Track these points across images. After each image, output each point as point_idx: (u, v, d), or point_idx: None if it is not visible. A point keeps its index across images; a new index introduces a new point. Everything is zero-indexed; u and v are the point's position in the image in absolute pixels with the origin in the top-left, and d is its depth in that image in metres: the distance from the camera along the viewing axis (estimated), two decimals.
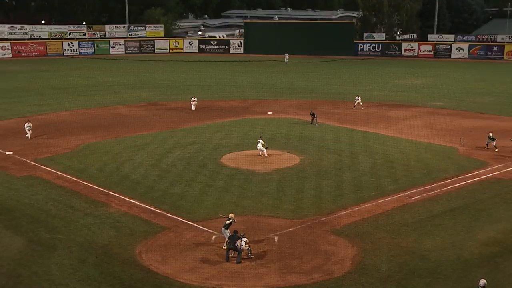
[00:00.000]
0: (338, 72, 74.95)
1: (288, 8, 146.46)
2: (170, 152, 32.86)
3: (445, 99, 53.09)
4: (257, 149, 31.63)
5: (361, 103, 47.57)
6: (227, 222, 20.18)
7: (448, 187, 26.89)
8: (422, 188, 26.61)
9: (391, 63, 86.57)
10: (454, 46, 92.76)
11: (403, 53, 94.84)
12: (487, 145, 33.89)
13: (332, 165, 30.44)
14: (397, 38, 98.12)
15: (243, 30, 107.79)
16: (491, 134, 34.08)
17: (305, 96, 54.70)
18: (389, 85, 61.98)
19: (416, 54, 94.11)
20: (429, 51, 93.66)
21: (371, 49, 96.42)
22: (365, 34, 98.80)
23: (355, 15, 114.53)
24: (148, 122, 41.94)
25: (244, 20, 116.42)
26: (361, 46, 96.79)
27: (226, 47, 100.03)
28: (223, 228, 20.13)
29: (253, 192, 26.09)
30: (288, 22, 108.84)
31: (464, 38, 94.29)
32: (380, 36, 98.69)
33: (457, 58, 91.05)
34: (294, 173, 28.89)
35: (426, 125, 40.51)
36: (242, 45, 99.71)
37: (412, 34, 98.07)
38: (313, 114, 40.84)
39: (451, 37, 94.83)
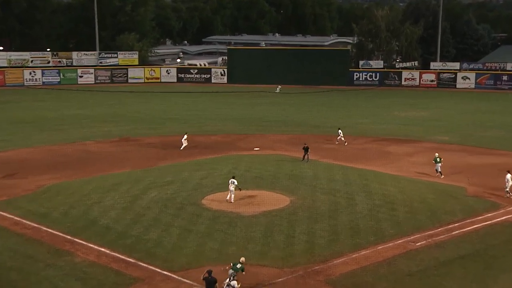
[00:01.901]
0: (332, 103, 76.02)
1: (276, 34, 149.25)
2: (145, 193, 32.90)
3: (450, 133, 53.99)
4: (229, 190, 31.19)
5: (343, 138, 48.29)
6: (238, 266, 20.58)
7: (456, 232, 27.17)
8: (426, 233, 26.87)
9: (390, 93, 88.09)
10: (460, 75, 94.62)
11: (403, 82, 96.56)
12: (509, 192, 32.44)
13: (326, 206, 30.68)
14: (397, 66, 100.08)
15: (226, 58, 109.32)
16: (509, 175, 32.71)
17: (295, 130, 55.24)
18: (388, 118, 62.95)
19: (417, 83, 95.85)
20: (432, 81, 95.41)
21: (368, 78, 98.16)
22: (361, 62, 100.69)
23: (350, 41, 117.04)
24: (120, 160, 41.99)
25: (228, 47, 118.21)
26: (356, 74, 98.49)
27: (208, 76, 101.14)
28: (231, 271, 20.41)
29: (238, 237, 26.15)
30: (276, 49, 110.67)
31: (471, 66, 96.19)
32: (378, 64, 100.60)
33: (463, 88, 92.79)
34: (283, 216, 29.04)
35: (430, 162, 41.00)
36: (226, 74, 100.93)
37: (413, 62, 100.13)
38: (305, 149, 41.19)
39: (456, 65, 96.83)
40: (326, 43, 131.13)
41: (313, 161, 41.27)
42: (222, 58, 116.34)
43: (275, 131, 54.71)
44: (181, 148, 45.79)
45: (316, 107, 72.09)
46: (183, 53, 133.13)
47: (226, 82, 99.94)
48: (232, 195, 31.18)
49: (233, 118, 62.95)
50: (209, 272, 19.90)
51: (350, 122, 58.43)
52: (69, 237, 26.02)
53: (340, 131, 48.92)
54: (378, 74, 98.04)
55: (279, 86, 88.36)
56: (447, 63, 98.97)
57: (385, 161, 41.90)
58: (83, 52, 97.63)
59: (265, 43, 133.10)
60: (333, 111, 68.09)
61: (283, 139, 50.60)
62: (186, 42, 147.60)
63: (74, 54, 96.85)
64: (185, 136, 46.46)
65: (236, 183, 31.33)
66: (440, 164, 37.87)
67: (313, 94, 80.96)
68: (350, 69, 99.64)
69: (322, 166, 40.13)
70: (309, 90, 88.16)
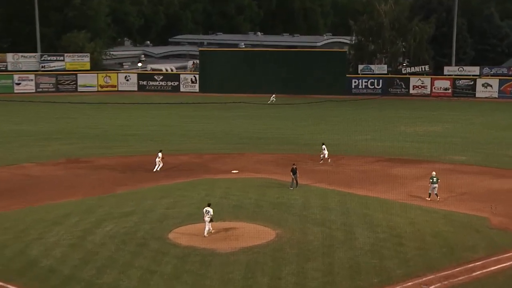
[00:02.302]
0: (326, 116, 76.58)
1: (258, 33, 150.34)
2: (98, 227, 32.76)
3: (468, 152, 54.71)
4: (204, 221, 31.40)
5: (326, 155, 49.16)
6: None
7: (478, 272, 27.37)
8: (442, 274, 27.01)
9: (396, 104, 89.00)
10: (480, 81, 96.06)
11: (411, 91, 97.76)
12: None
13: (319, 241, 30.80)
14: (403, 71, 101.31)
15: (198, 61, 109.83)
16: None
17: (282, 148, 55.56)
18: (393, 134, 63.57)
19: (428, 92, 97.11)
20: (446, 89, 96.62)
21: (369, 85, 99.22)
22: (360, 66, 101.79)
23: (347, 41, 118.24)
24: (68, 186, 41.82)
25: (200, 48, 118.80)
26: (355, 81, 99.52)
27: (176, 83, 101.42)
28: None
29: (213, 280, 26.11)
30: (258, 51, 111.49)
31: (493, 71, 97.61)
32: (381, 68, 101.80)
33: (483, 97, 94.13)
34: (268, 253, 29.08)
35: (445, 187, 41.42)
36: (197, 81, 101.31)
37: (423, 66, 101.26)
38: (293, 171, 41.39)
39: (475, 70, 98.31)
40: (318, 44, 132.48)
41: (304, 186, 41.42)
42: (193, 62, 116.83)
43: (257, 150, 54.88)
44: (155, 170, 46.08)
45: (307, 120, 72.53)
46: (146, 55, 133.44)
47: (197, 91, 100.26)
48: (208, 228, 31.23)
49: (206, 134, 63.07)
50: None
51: (347, 139, 58.87)
52: (1, 283, 25.75)
53: (324, 146, 49.77)
54: (381, 80, 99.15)
55: (274, 95, 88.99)
56: (464, 68, 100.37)
57: (390, 185, 42.14)
58: (20, 54, 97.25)
59: (245, 44, 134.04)
60: (327, 125, 68.57)
61: (267, 160, 50.75)
62: (148, 42, 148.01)
63: (9, 57, 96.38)
64: (160, 155, 46.72)
65: (212, 212, 31.40)
66: (436, 185, 38.94)
67: (303, 106, 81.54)
68: (347, 75, 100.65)
69: (314, 192, 40.32)
70: (298, 100, 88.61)
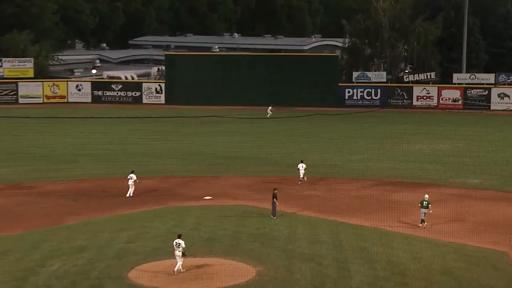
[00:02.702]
0: (314, 132, 76.76)
1: (235, 34, 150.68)
2: (43, 265, 32.48)
3: (483, 174, 55.03)
4: (175, 257, 31.53)
5: (302, 174, 50.35)
6: None
7: None
8: None
9: (397, 117, 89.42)
10: (495, 91, 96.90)
11: (414, 102, 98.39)
12: None
13: (307, 280, 30.79)
14: (406, 79, 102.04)
15: (163, 68, 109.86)
16: None
17: (264, 170, 55.64)
18: (394, 153, 63.77)
19: (435, 103, 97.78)
20: (456, 100, 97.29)
21: (366, 96, 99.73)
22: (355, 74, 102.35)
23: (340, 44, 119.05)
24: (9, 217, 41.49)
25: (166, 52, 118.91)
26: (349, 91, 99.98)
27: (137, 94, 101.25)
28: None
29: None
30: (235, 55, 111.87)
31: (511, 78, 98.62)
32: (379, 76, 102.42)
33: (499, 110, 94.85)
34: None
35: (455, 216, 41.71)
36: (163, 91, 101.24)
37: (429, 74, 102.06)
38: (274, 196, 41.45)
39: (490, 78, 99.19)
40: (305, 47, 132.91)
41: (290, 215, 41.48)
42: (158, 69, 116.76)
43: (235, 172, 54.93)
44: (128, 195, 46.25)
45: (292, 137, 72.65)
46: (101, 60, 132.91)
47: (163, 102, 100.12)
48: (180, 264, 31.23)
49: (174, 153, 62.94)
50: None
51: (340, 159, 59.02)
52: None
53: (302, 164, 50.76)
54: (379, 90, 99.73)
55: (270, 107, 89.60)
56: (477, 75, 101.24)
57: (390, 214, 42.32)
58: None
59: (219, 47, 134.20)
60: (317, 142, 68.70)
61: (246, 184, 50.77)
62: (105, 45, 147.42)
63: None
64: (133, 177, 46.84)
65: (183, 245, 31.38)
66: (426, 210, 39.94)
67: (288, 120, 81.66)
68: (339, 84, 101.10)
69: (302, 222, 40.39)
70: (283, 113, 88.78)
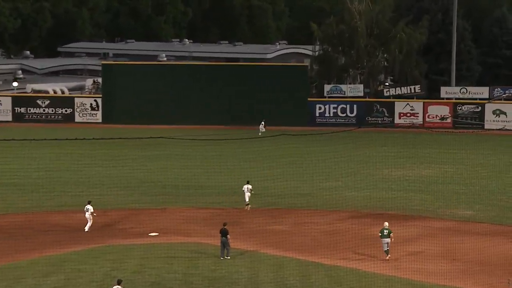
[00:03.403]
0: (280, 155, 76.77)
1: (186, 40, 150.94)
2: None
3: (477, 204, 55.68)
4: None
5: (248, 198, 51.85)
6: None
7: None
8: None
9: (376, 138, 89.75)
10: (489, 107, 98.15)
11: (397, 120, 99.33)
12: None
13: None
14: (386, 94, 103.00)
15: (100, 80, 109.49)
16: None
17: (220, 201, 55.88)
18: (373, 179, 64.26)
19: (420, 121, 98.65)
20: (444, 117, 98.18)
21: (339, 113, 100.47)
22: (327, 87, 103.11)
23: (309, 52, 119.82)
24: None
25: (103, 61, 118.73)
26: (320, 107, 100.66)
27: (69, 111, 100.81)
28: None
29: None
30: (186, 65, 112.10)
31: (508, 92, 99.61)
32: (355, 89, 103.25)
33: (495, 129, 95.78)
34: None
35: (445, 254, 42.07)
36: (100, 108, 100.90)
37: (413, 87, 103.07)
38: (223, 232, 41.47)
39: (483, 92, 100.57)
40: (269, 56, 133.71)
41: (251, 253, 41.55)
42: (94, 81, 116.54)
43: (186, 203, 55.04)
44: (87, 229, 46.45)
45: (255, 161, 72.68)
46: (24, 71, 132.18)
47: (100, 121, 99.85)
48: None
49: (113, 182, 62.52)
50: None
51: (310, 187, 59.26)
52: None
53: (248, 186, 52.46)
54: (355, 106, 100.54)
55: (263, 124, 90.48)
56: (468, 89, 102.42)
57: (370, 252, 42.56)
58: None
59: (167, 56, 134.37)
60: (282, 168, 68.81)
61: (199, 217, 50.80)
62: (28, 53, 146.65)
63: None
64: (90, 208, 46.95)
65: None
66: (389, 240, 40.88)
67: (249, 141, 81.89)
68: (309, 99, 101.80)
69: (266, 262, 40.45)
70: (243, 134, 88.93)
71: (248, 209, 53.29)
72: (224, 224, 42.23)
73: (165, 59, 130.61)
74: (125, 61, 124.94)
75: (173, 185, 61.83)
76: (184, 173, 67.02)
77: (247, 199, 53.16)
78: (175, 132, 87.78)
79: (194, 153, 78.23)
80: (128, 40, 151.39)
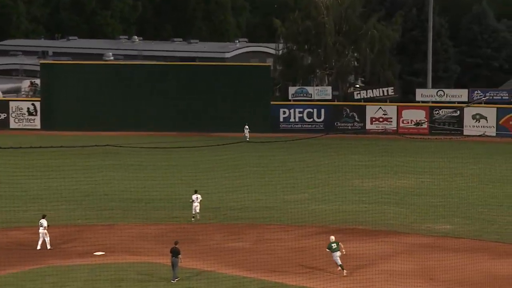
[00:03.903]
0: (240, 164, 76.47)
1: (135, 37, 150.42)
2: None
3: (456, 218, 55.99)
4: None
5: (198, 209, 53.50)
6: None
7: None
8: None
9: (346, 145, 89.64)
10: (469, 112, 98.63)
11: (368, 125, 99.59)
12: None
13: None
14: (356, 97, 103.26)
15: (38, 82, 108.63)
16: None
17: (170, 215, 55.96)
18: (343, 191, 64.09)
19: (394, 126, 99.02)
20: (420, 122, 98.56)
21: (306, 118, 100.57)
22: (292, 89, 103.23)
23: (272, 51, 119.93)
24: None
25: (42, 61, 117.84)
26: (284, 112, 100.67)
27: (3, 116, 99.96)
28: None
29: None
30: (135, 65, 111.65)
31: (488, 95, 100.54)
32: (323, 92, 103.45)
33: (475, 136, 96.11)
34: None
35: (422, 272, 42.22)
36: (38, 112, 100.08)
37: (385, 89, 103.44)
38: (174, 252, 41.44)
39: (462, 94, 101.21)
40: (227, 55, 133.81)
41: (208, 274, 41.43)
42: (31, 82, 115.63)
43: (135, 219, 54.87)
44: (39, 247, 46.45)
45: (212, 172, 72.50)
46: None
47: (39, 127, 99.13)
48: None
49: (53, 195, 61.96)
50: None
51: (274, 200, 59.25)
52: None
53: (197, 196, 53.37)
54: (323, 110, 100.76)
55: (247, 127, 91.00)
56: (446, 91, 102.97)
57: (340, 270, 42.64)
58: None
59: (114, 55, 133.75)
60: (243, 178, 68.59)
61: (151, 234, 50.61)
62: None
63: None
64: (44, 223, 47.00)
65: None
66: (339, 253, 41.77)
67: (206, 150, 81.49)
68: (272, 102, 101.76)
69: (224, 283, 40.40)
70: (199, 141, 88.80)
71: (197, 218, 54.32)
72: (176, 243, 42.00)
73: (112, 58, 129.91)
74: (66, 60, 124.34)
75: (121, 198, 61.53)
76: (134, 185, 66.67)
77: (195, 211, 54.16)
78: (123, 140, 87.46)
79: (145, 162, 77.90)
80: (70, 37, 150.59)
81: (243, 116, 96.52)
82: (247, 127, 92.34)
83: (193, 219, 54.06)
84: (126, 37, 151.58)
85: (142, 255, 45.76)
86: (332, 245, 42.21)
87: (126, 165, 76.96)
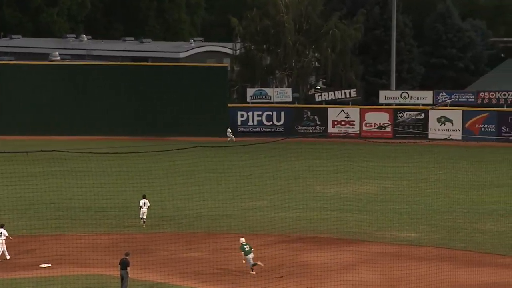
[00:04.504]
0: (195, 170, 76.47)
1: (84, 36, 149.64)
2: None
3: (421, 225, 56.41)
4: None
5: (145, 215, 54.41)
6: None
7: None
8: None
9: (307, 150, 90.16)
10: (434, 114, 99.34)
11: (330, 128, 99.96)
12: None
13: None
14: (317, 99, 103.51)
15: None
16: None
17: (122, 224, 56.07)
18: (303, 198, 64.24)
19: (356, 130, 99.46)
20: (383, 126, 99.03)
21: (265, 121, 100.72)
22: (250, 91, 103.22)
23: (229, 51, 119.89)
24: None
25: None
26: (242, 115, 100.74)
27: None
28: None
29: None
30: (84, 65, 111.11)
31: (454, 97, 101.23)
32: (282, 94, 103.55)
33: (440, 140, 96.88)
34: None
35: (386, 283, 42.42)
36: None
37: (348, 91, 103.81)
38: (122, 263, 41.28)
39: (427, 96, 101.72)
40: (182, 55, 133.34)
41: (161, 286, 41.52)
42: None
43: (85, 228, 54.81)
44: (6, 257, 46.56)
45: (166, 178, 72.31)
46: None
47: None
48: None
49: None
50: None
51: (231, 207, 59.39)
52: None
53: (144, 201, 54.11)
54: (283, 113, 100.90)
55: (229, 130, 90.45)
56: (410, 93, 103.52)
57: (301, 282, 42.74)
58: None
59: (61, 54, 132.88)
60: (198, 185, 68.64)
61: (102, 244, 50.40)
62: None
63: None
64: (5, 233, 47.13)
65: None
66: (252, 254, 43.69)
67: (159, 155, 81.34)
68: (229, 105, 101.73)
69: None
70: (152, 146, 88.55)
71: (144, 226, 54.86)
72: (126, 254, 41.89)
73: (58, 58, 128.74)
74: (9, 60, 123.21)
75: (69, 207, 61.29)
76: (83, 192, 66.28)
77: (143, 216, 54.99)
78: (72, 144, 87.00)
79: (94, 169, 77.32)
80: (13, 36, 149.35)
81: (199, 119, 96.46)
82: (229, 130, 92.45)
83: (143, 223, 55.14)
84: (74, 36, 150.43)
85: (91, 267, 45.57)
86: (245, 247, 43.73)
87: (74, 171, 76.47)
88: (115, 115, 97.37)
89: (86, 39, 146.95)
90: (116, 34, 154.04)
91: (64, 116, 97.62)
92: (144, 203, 55.18)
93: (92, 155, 74.70)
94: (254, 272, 43.68)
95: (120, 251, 47.36)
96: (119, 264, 41.34)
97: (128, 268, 40.96)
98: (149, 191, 67.09)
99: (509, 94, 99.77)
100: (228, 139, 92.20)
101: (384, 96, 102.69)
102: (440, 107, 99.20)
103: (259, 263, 44.35)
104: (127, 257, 41.45)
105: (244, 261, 44.48)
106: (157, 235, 52.01)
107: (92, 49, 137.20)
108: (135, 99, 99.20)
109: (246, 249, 44.02)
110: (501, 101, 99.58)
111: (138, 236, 51.52)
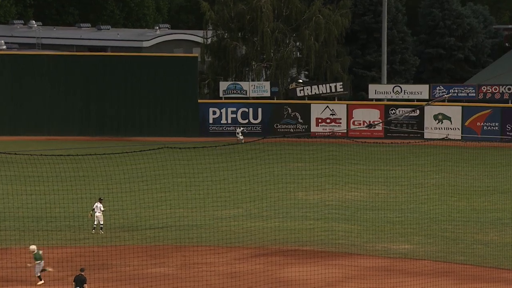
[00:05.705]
0: (161, 175, 76.59)
1: (33, 22, 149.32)
2: None
3: (416, 236, 56.63)
4: None
5: (101, 220, 55.53)
6: None
7: None
8: None
9: (288, 151, 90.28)
10: (430, 111, 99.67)
11: (313, 127, 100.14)
12: None
13: None
14: (299, 94, 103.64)
15: None
16: None
17: (77, 236, 56.19)
18: (284, 206, 64.62)
19: (344, 129, 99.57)
20: (373, 124, 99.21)
21: (240, 118, 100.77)
22: (223, 84, 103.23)
23: (199, 39, 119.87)
24: None
25: None
26: (214, 112, 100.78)
27: None
28: None
29: None
30: (34, 56, 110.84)
31: (452, 91, 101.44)
32: (260, 88, 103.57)
33: (437, 139, 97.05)
34: None
35: None
36: None
37: (333, 85, 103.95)
38: (79, 280, 41.23)
39: (422, 91, 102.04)
40: (146, 44, 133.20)
41: None
42: None
43: (34, 241, 53.97)
44: None
45: (128, 183, 72.28)
46: None
47: None
48: None
49: None
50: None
51: (203, 216, 59.47)
52: None
53: (99, 205, 54.41)
54: (260, 110, 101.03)
55: (240, 132, 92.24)
56: (404, 87, 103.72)
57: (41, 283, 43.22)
58: None
59: (6, 43, 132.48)
60: (165, 191, 68.70)
61: (51, 258, 49.99)
62: None
63: None
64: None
65: None
66: (42, 261, 44.90)
67: (119, 157, 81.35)
68: (200, 100, 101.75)
69: None
70: (110, 146, 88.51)
71: (100, 232, 55.89)
72: (81, 270, 42.01)
73: (4, 47, 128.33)
74: None
75: (17, 216, 61.12)
76: (33, 200, 66.08)
77: (98, 222, 56.28)
78: (20, 146, 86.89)
79: (46, 173, 77.13)
80: None
81: (165, 117, 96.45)
82: (240, 131, 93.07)
83: (93, 230, 56.27)
84: (22, 22, 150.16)
85: (42, 285, 45.41)
86: (36, 254, 45.07)
87: (23, 176, 75.92)
88: (69, 113, 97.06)
89: (35, 26, 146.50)
90: (71, 20, 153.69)
91: (11, 113, 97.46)
92: (97, 206, 56.06)
93: (42, 158, 74.61)
94: (41, 282, 44.68)
95: (75, 267, 47.29)
96: (74, 281, 41.41)
97: (84, 285, 40.93)
98: (109, 198, 67.07)
99: None
100: (239, 139, 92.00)
101: (374, 90, 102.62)
102: (437, 103, 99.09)
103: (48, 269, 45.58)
104: (82, 273, 41.45)
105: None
106: (117, 248, 51.81)
107: (42, 37, 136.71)
108: (92, 94, 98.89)
109: (36, 256, 45.23)
110: (506, 96, 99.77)
111: (96, 249, 51.30)
